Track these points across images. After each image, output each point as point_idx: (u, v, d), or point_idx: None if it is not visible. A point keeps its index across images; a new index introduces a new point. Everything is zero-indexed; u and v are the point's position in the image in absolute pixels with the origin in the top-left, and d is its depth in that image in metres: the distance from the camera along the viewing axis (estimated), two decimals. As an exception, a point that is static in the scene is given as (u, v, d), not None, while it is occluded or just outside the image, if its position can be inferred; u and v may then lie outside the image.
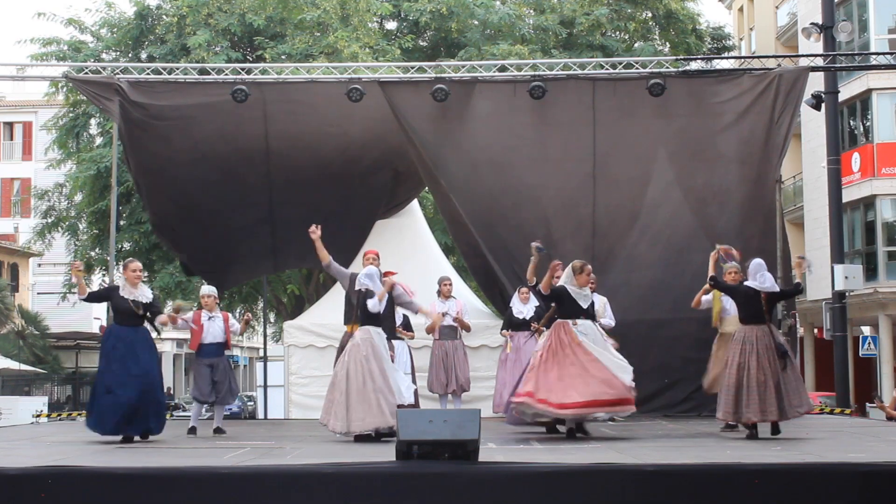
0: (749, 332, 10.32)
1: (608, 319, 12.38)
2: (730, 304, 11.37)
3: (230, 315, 12.07)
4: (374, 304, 10.44)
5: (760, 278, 10.41)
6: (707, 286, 11.36)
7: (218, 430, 11.70)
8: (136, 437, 10.33)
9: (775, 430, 10.32)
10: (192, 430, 11.67)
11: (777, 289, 10.50)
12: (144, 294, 10.49)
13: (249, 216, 15.38)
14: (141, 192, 15.30)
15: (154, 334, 10.76)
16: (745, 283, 10.52)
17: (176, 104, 14.23)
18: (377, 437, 10.14)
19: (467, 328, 13.67)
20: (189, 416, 12.41)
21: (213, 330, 11.73)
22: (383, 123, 14.55)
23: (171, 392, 40.80)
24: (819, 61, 15.15)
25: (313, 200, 14.94)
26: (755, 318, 10.35)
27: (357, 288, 10.63)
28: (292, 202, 15.14)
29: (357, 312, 10.63)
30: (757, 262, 10.58)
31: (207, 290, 12.00)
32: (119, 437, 10.26)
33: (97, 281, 26.38)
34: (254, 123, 14.58)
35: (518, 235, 14.23)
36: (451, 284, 13.68)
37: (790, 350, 10.54)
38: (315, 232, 11.12)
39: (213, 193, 14.96)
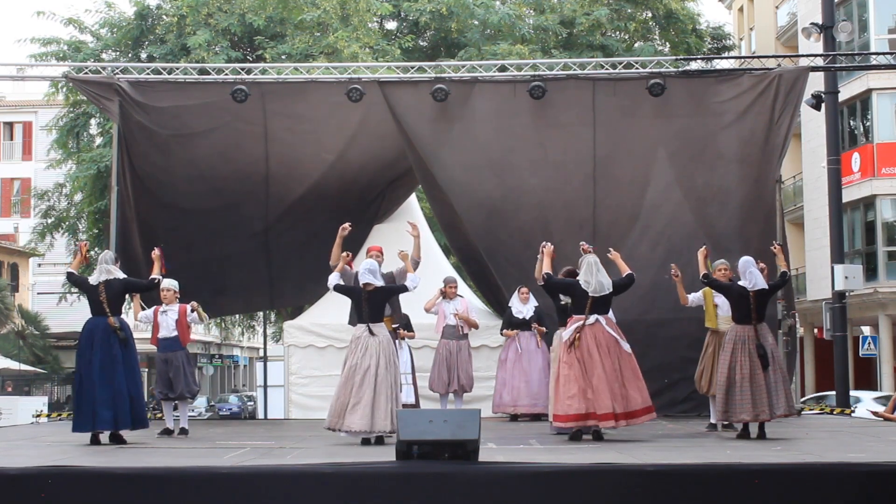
0: (741, 332, 10.33)
1: None
2: (721, 301, 11.34)
3: (188, 307, 11.67)
4: (331, 279, 10.49)
5: (750, 277, 10.40)
6: (678, 277, 11.35)
7: (182, 431, 11.47)
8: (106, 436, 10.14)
9: (762, 432, 10.30)
10: (165, 431, 11.44)
11: (766, 285, 10.49)
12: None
13: (245, 244, 15.11)
14: (128, 198, 14.29)
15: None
16: (739, 282, 10.52)
17: (175, 109, 14.14)
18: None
19: (474, 325, 13.65)
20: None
21: (165, 324, 11.57)
22: (381, 140, 14.63)
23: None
24: (819, 61, 15.15)
25: (310, 228, 14.89)
26: (748, 317, 10.36)
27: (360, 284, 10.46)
28: (289, 232, 15.09)
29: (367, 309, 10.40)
30: (744, 261, 10.55)
31: (167, 283, 11.52)
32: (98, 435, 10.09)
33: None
34: (254, 142, 14.49)
35: (517, 237, 14.23)
36: (456, 286, 13.68)
37: (775, 350, 10.50)
38: (346, 229, 11.07)
39: (208, 213, 14.72)
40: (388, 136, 14.49)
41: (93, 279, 10.33)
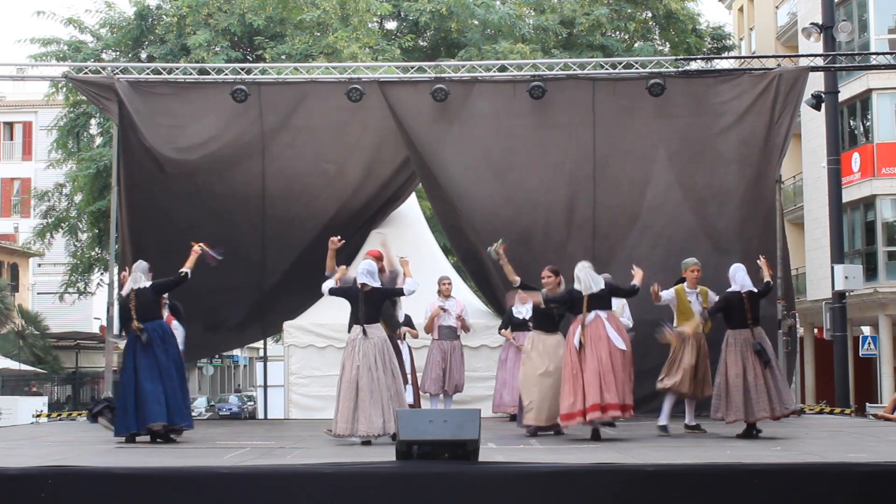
0: (740, 336, 10.49)
1: (626, 320, 12.44)
2: (693, 298, 11.38)
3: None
4: (325, 285, 10.49)
5: (741, 280, 10.55)
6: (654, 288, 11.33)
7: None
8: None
9: (756, 430, 10.36)
10: None
11: (755, 289, 10.60)
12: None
13: (240, 277, 14.70)
14: (123, 215, 14.09)
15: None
16: (729, 289, 10.61)
17: (173, 125, 14.05)
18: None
19: (467, 329, 13.64)
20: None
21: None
22: (380, 149, 14.54)
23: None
24: (819, 61, 15.15)
25: (304, 257, 14.69)
26: (744, 321, 10.49)
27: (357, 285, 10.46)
28: (284, 264, 14.90)
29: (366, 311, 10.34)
30: (735, 266, 10.72)
31: None
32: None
33: (96, 280, 26.38)
34: (252, 158, 14.40)
35: (517, 237, 14.18)
36: (450, 284, 13.66)
37: (771, 350, 10.57)
38: (335, 243, 11.03)
39: (202, 236, 14.53)
40: (387, 143, 14.45)
41: (124, 290, 10.58)
